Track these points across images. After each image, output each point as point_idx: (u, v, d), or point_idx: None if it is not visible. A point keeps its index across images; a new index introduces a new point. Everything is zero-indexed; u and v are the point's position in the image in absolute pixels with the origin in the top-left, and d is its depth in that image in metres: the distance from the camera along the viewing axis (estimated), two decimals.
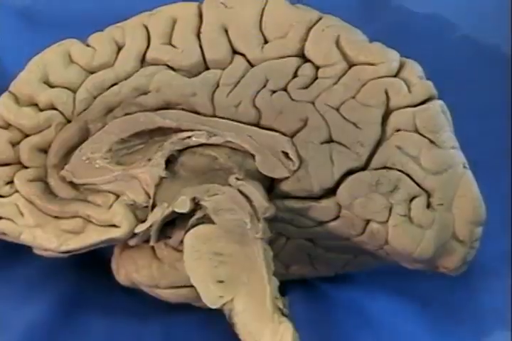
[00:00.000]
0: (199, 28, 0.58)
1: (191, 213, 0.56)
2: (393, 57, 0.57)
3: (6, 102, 0.59)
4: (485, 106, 0.71)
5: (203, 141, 0.57)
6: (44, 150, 0.59)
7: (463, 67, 0.71)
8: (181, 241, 0.56)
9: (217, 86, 0.57)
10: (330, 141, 0.56)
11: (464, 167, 0.56)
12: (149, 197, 0.57)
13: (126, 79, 0.58)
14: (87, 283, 0.63)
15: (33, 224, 0.58)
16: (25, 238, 0.58)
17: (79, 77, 0.58)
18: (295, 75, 0.57)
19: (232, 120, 0.57)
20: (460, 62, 0.71)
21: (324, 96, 0.56)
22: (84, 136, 0.58)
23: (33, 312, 0.60)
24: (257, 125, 0.57)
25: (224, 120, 0.57)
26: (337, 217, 0.57)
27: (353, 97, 0.56)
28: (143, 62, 0.58)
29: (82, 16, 0.67)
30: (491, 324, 0.61)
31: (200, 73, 0.58)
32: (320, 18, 0.58)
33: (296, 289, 0.61)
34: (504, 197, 0.62)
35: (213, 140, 0.57)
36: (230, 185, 0.56)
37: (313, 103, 0.56)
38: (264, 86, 0.57)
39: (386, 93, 0.56)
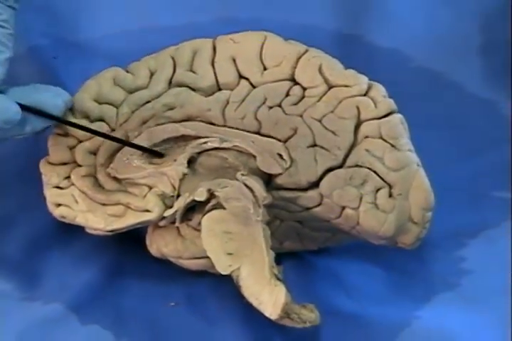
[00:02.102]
0: (213, 58, 0.58)
1: (207, 201, 0.56)
2: (363, 80, 0.57)
3: (65, 115, 0.58)
4: (434, 119, 0.71)
5: (216, 145, 0.58)
6: (94, 153, 0.59)
7: (417, 88, 0.71)
8: (199, 223, 0.56)
9: (227, 103, 0.58)
10: (314, 145, 0.57)
11: (418, 165, 0.56)
12: (175, 189, 0.57)
13: (157, 97, 0.58)
14: (127, 254, 0.62)
15: (85, 209, 0.58)
16: (80, 220, 0.58)
17: (121, 96, 0.58)
18: (287, 95, 0.57)
19: (239, 129, 0.58)
20: (415, 85, 0.70)
21: (310, 111, 0.57)
22: None
23: (86, 276, 0.60)
24: (258, 133, 0.57)
25: (232, 129, 0.58)
26: (319, 204, 0.57)
27: (332, 112, 0.56)
28: (170, 84, 0.58)
29: (124, 49, 0.66)
30: (437, 286, 0.60)
31: (214, 93, 0.58)
32: (306, 51, 0.58)
33: (288, 260, 0.61)
34: (450, 189, 0.62)
35: (224, 145, 0.57)
36: (237, 180, 0.56)
37: (301, 116, 0.57)
38: (264, 103, 0.57)
39: (357, 108, 0.56)
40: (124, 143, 0.58)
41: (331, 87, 0.57)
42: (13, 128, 0.54)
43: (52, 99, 0.56)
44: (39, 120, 0.56)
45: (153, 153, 0.58)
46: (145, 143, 0.58)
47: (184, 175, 0.57)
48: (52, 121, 0.57)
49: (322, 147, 0.56)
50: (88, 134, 0.58)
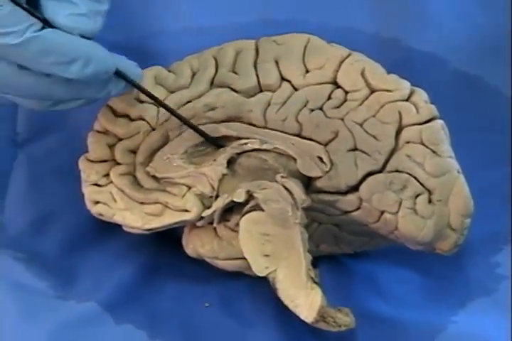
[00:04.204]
0: (256, 59, 0.58)
1: (246, 202, 0.56)
2: (405, 85, 0.57)
3: (106, 113, 0.59)
4: (470, 123, 0.71)
5: (256, 146, 0.57)
6: (133, 151, 0.59)
7: (453, 92, 0.69)
8: (237, 224, 0.56)
9: (269, 105, 0.57)
10: (355, 149, 0.56)
11: (458, 172, 0.56)
12: (214, 189, 0.57)
13: (198, 97, 0.58)
14: (163, 254, 0.62)
15: (123, 207, 0.58)
16: (117, 218, 0.58)
17: (162, 95, 0.58)
18: (329, 98, 0.57)
19: (280, 131, 0.57)
20: (451, 89, 0.69)
21: (351, 115, 0.56)
22: (165, 141, 0.58)
23: (122, 275, 0.60)
24: (299, 135, 0.57)
25: (273, 131, 0.57)
26: (358, 208, 0.57)
27: (374, 116, 0.56)
28: (212, 84, 0.58)
29: (165, 49, 0.66)
30: (474, 292, 0.60)
31: (255, 94, 0.58)
32: (349, 54, 0.58)
33: (325, 263, 0.61)
34: (485, 194, 0.62)
35: (264, 146, 0.57)
36: (276, 182, 0.56)
37: (342, 119, 0.56)
38: (305, 105, 0.57)
39: (399, 113, 0.56)
40: (191, 126, 0.57)
41: (373, 91, 0.56)
42: (92, 87, 0.53)
43: (134, 68, 0.55)
44: (117, 85, 0.55)
45: (213, 143, 0.58)
46: (186, 143, 0.58)
47: (223, 175, 0.57)
48: (130, 87, 0.56)
49: (363, 151, 0.56)
50: (129, 132, 0.58)
